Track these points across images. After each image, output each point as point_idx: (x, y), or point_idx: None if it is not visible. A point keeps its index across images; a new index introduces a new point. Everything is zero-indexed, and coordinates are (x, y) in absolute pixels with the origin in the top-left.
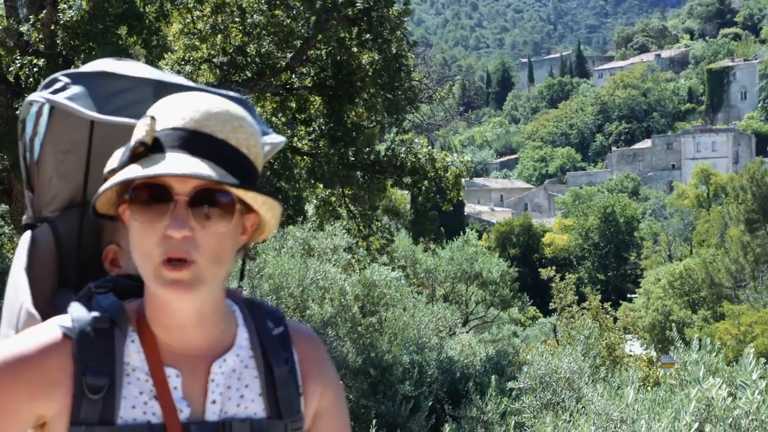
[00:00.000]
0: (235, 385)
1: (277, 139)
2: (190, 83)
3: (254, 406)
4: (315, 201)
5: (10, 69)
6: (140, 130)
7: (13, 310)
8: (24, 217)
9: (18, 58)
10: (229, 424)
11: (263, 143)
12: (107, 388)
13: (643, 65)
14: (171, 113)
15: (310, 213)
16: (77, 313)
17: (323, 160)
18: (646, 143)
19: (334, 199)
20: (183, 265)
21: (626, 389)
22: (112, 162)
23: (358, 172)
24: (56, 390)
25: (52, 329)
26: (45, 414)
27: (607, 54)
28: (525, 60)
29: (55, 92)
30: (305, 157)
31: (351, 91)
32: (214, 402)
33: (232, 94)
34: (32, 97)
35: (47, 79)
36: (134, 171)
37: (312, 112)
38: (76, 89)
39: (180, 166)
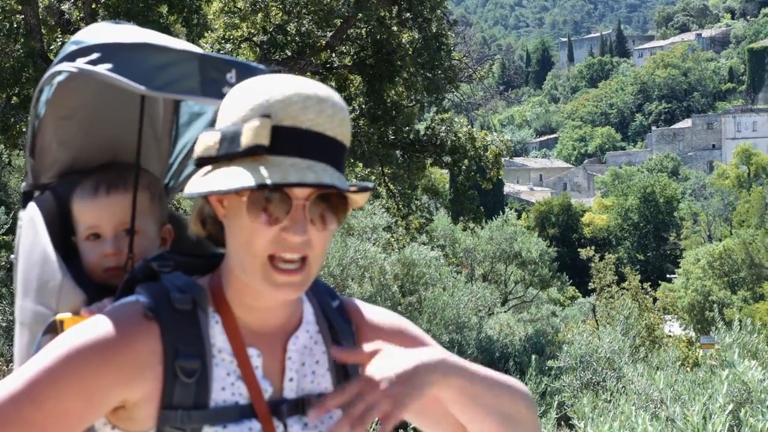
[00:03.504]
0: (308, 362)
1: None
2: (228, 57)
3: (325, 381)
4: (354, 180)
5: (52, 47)
6: (257, 131)
7: (46, 285)
8: (23, 185)
9: (59, 36)
10: (307, 400)
11: None
12: (200, 371)
13: (683, 45)
14: (280, 108)
15: None
16: (155, 294)
17: (363, 139)
18: (686, 123)
19: (373, 177)
20: (296, 270)
21: (657, 373)
22: (204, 149)
23: (398, 151)
24: (146, 374)
25: (134, 312)
26: (129, 398)
27: (648, 33)
28: (565, 39)
29: (92, 63)
30: None
31: (391, 70)
32: (291, 379)
33: (249, 63)
34: (61, 67)
35: (74, 48)
36: (254, 176)
37: (352, 90)
38: (116, 61)
39: (306, 173)
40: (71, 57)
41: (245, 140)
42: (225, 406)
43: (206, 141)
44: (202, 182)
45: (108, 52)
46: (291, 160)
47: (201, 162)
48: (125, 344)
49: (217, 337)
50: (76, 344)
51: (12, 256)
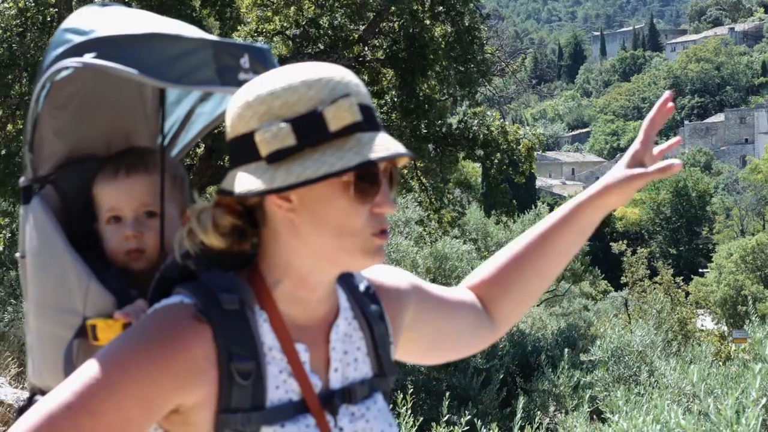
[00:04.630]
0: (350, 349)
1: None
2: (240, 41)
3: (365, 367)
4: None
5: None
6: (351, 110)
7: (69, 287)
8: (21, 179)
9: None
10: (353, 389)
11: None
12: (255, 372)
13: (716, 39)
14: (348, 88)
15: None
16: (201, 294)
17: (395, 132)
18: (719, 117)
19: (406, 171)
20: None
21: (691, 367)
22: (278, 142)
23: (430, 145)
24: (201, 379)
25: (184, 314)
26: (185, 403)
27: (680, 27)
28: (597, 33)
29: (101, 57)
30: None
31: (423, 64)
32: (336, 370)
33: (257, 44)
34: (69, 62)
35: (75, 39)
36: (361, 153)
37: (384, 84)
38: (128, 54)
39: (395, 145)
40: (76, 50)
41: (338, 121)
42: (280, 405)
43: (273, 134)
44: (281, 175)
45: (118, 44)
46: (379, 134)
47: (275, 156)
48: (180, 349)
49: (266, 335)
50: (130, 351)
51: (17, 254)
